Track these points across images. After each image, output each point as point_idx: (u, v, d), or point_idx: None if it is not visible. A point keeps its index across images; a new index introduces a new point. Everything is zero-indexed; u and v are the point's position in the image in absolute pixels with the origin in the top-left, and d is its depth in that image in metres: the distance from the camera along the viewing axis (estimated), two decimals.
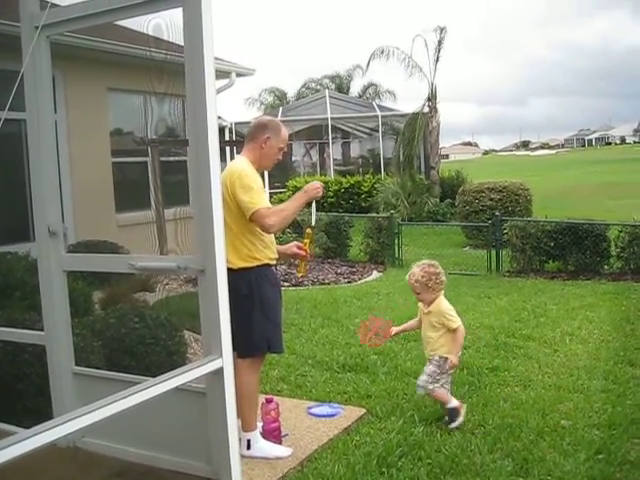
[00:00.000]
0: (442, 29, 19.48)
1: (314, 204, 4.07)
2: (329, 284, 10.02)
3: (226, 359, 2.91)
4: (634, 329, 6.68)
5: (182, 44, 2.89)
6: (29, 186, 3.68)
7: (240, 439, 3.53)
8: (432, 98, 19.64)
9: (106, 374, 3.72)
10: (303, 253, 4.14)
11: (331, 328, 6.96)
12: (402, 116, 21.68)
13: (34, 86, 3.41)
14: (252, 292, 3.76)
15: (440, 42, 19.56)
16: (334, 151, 24.26)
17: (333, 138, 23.34)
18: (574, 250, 10.03)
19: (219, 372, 2.90)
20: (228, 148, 13.81)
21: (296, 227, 9.80)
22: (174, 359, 4.88)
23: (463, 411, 4.29)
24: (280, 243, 4.21)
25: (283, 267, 10.39)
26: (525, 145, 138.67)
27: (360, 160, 25.94)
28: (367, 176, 20.40)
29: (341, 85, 33.12)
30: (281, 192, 18.86)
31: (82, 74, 9.42)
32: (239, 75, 12.48)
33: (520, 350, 6.01)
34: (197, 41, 2.78)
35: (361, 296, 8.81)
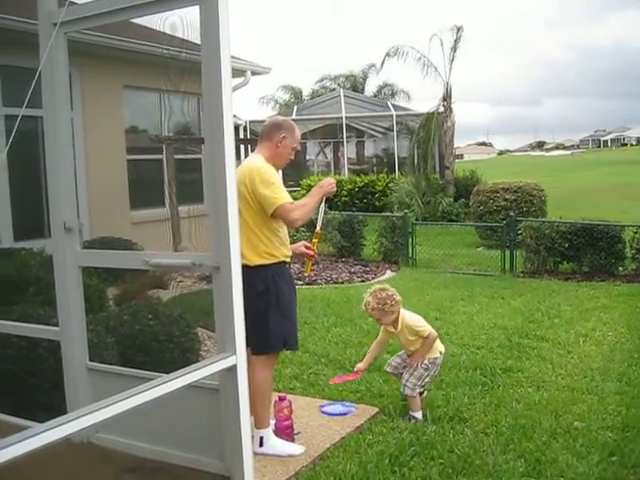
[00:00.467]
0: (459, 28, 19.45)
1: (323, 206, 4.07)
2: (342, 283, 10.01)
3: (240, 356, 2.91)
4: None
5: (198, 42, 2.89)
6: (45, 183, 3.70)
7: (253, 436, 3.54)
8: (447, 98, 19.57)
9: (120, 370, 3.72)
10: (311, 253, 4.16)
11: (344, 327, 6.95)
12: (417, 116, 21.65)
13: (51, 83, 3.42)
14: (269, 289, 3.77)
15: (456, 41, 19.51)
16: (348, 150, 24.21)
17: (347, 137, 23.29)
18: (589, 251, 9.98)
19: (233, 369, 2.90)
20: (243, 146, 13.84)
21: (309, 225, 9.79)
22: (187, 356, 4.89)
23: (419, 421, 4.35)
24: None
25: (297, 265, 10.39)
26: (540, 146, 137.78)
27: (374, 159, 25.93)
28: (381, 175, 20.33)
29: (356, 84, 33.11)
30: (295, 190, 18.87)
31: (98, 71, 9.48)
32: (254, 74, 12.48)
33: (534, 351, 5.99)
34: (214, 39, 2.78)
35: None
